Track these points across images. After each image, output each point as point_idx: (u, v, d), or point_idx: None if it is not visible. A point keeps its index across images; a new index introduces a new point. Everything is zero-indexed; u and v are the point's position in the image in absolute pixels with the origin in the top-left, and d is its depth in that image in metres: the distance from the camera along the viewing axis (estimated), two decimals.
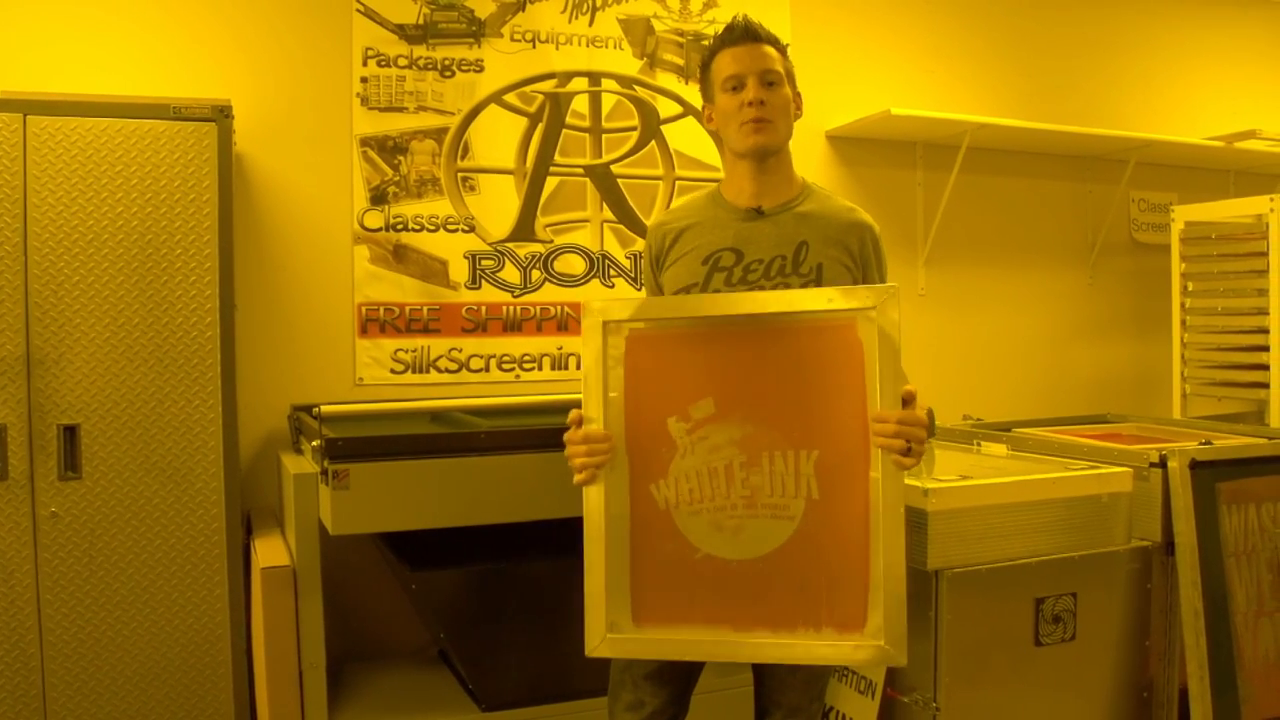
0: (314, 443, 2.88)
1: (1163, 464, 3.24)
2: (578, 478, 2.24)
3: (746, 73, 2.37)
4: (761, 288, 2.39)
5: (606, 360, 2.25)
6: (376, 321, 3.83)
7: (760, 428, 2.21)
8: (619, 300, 2.35)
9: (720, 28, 3.95)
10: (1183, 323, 4.70)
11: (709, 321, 2.24)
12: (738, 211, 2.46)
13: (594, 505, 2.24)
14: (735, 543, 2.22)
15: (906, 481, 3.00)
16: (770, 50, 2.41)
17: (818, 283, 2.39)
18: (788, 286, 2.38)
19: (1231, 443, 3.49)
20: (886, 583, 2.15)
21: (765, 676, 2.52)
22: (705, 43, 4.18)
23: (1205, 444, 3.34)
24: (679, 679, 2.47)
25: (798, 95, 2.48)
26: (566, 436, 2.26)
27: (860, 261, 2.46)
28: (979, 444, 3.82)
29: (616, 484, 2.25)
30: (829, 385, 2.19)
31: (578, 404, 2.27)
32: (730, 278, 2.40)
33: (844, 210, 2.51)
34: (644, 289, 2.64)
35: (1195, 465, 3.21)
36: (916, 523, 2.97)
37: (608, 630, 2.23)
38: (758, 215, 2.44)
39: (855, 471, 2.17)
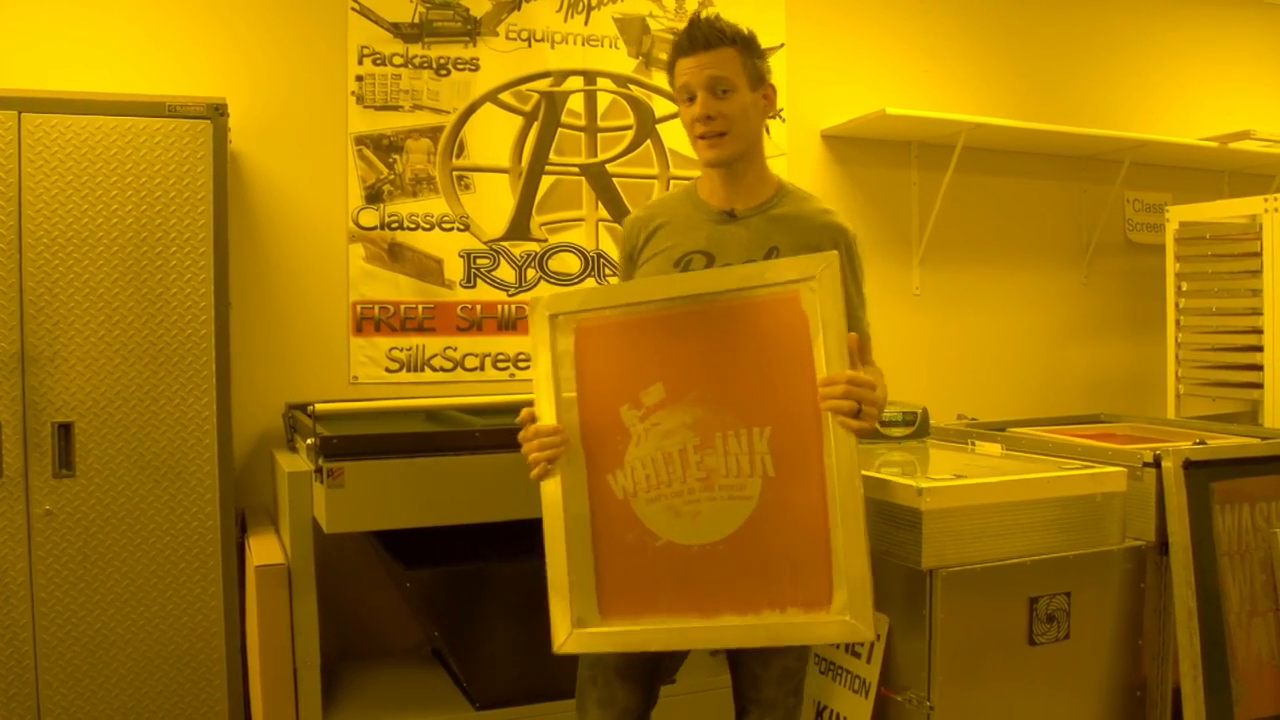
0: (309, 441, 2.88)
1: (1157, 464, 3.24)
2: (533, 473, 2.22)
3: (695, 85, 2.32)
4: None
5: (555, 353, 2.24)
6: (371, 320, 3.83)
7: (712, 409, 2.19)
8: (564, 293, 2.31)
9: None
10: (1177, 323, 4.70)
11: (653, 305, 2.23)
12: (711, 213, 2.43)
13: (552, 500, 2.23)
14: (695, 527, 2.20)
15: (901, 480, 3.02)
16: (725, 54, 2.32)
17: None
18: None
19: (1225, 443, 3.49)
20: (849, 557, 2.14)
21: (740, 674, 2.51)
22: None
23: (1199, 444, 3.35)
24: (647, 672, 2.45)
25: (770, 89, 2.43)
26: (520, 436, 2.24)
27: None
28: (973, 443, 3.82)
29: (574, 478, 2.23)
30: (778, 360, 2.18)
31: None
32: None
33: (818, 213, 2.47)
34: (620, 276, 2.61)
35: (1189, 465, 3.22)
36: (910, 522, 2.97)
37: (574, 626, 2.22)
38: (730, 219, 2.41)
39: (810, 446, 2.15)
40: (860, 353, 2.30)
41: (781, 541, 2.18)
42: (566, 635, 2.22)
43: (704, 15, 2.45)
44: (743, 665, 2.49)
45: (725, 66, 2.32)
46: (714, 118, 2.32)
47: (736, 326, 2.20)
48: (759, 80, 2.39)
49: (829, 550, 2.15)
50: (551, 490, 2.23)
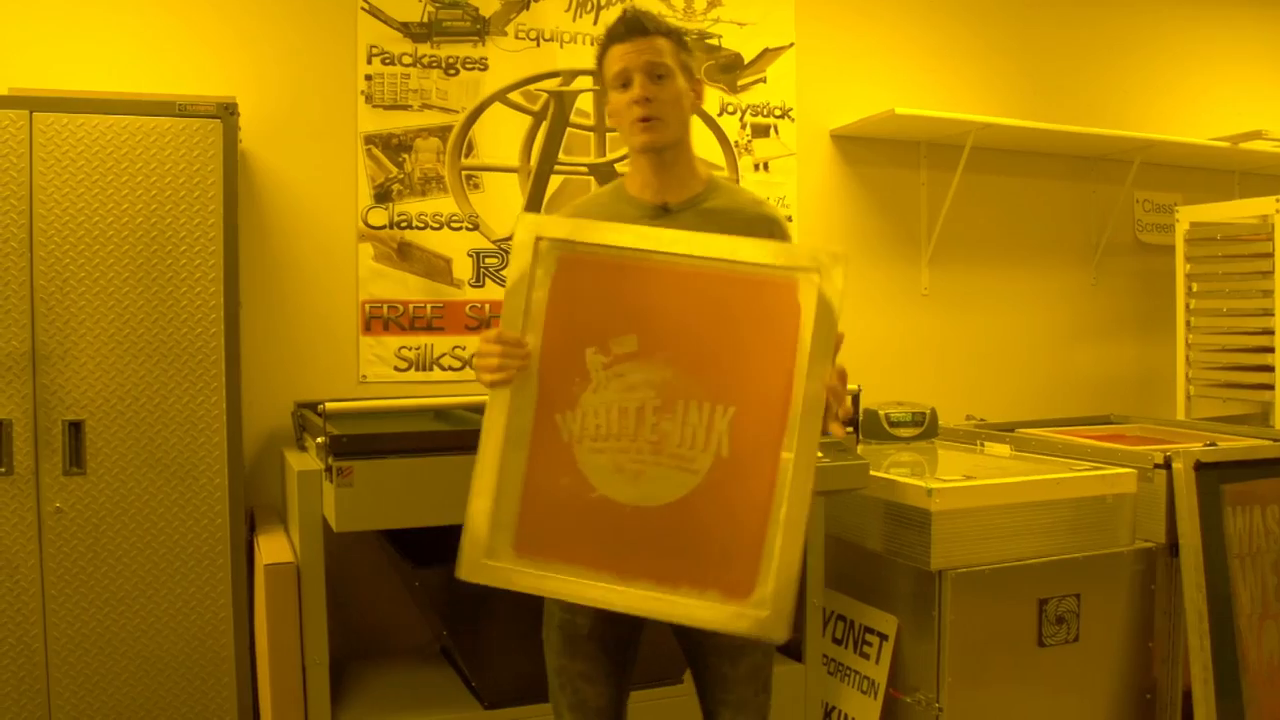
0: (318, 440, 2.88)
1: (1167, 465, 3.24)
2: (488, 377, 2.15)
3: (633, 69, 2.31)
4: None
5: (533, 276, 2.16)
6: (380, 319, 3.83)
7: (681, 374, 2.12)
8: (555, 217, 2.22)
9: (725, 27, 3.97)
10: (1187, 324, 4.69)
11: (645, 255, 2.15)
12: (643, 208, 2.40)
13: (494, 422, 2.15)
14: (634, 488, 2.13)
15: (910, 481, 3.02)
16: (660, 42, 2.33)
17: None
18: None
19: (1236, 444, 3.49)
20: (782, 553, 2.07)
21: (705, 675, 2.46)
22: (710, 41, 4.20)
23: (1210, 445, 3.35)
24: (612, 671, 2.41)
25: (696, 83, 2.42)
26: (480, 337, 2.17)
27: None
28: (982, 444, 3.82)
29: (522, 406, 2.15)
30: (759, 343, 2.12)
31: None
32: None
33: (751, 204, 2.48)
34: None
35: (1200, 467, 3.22)
36: (919, 522, 2.98)
37: (485, 555, 2.14)
38: (663, 213, 2.39)
39: (770, 435, 2.10)
40: None
41: (718, 523, 2.11)
42: (475, 563, 2.14)
43: (638, 6, 2.43)
44: (708, 666, 2.44)
45: (660, 53, 2.32)
46: (652, 100, 2.30)
47: (726, 298, 2.13)
48: (689, 73, 2.39)
49: (763, 542, 2.09)
50: (497, 412, 2.15)
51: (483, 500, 2.16)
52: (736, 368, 2.12)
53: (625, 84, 2.33)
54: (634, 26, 2.33)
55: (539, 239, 2.17)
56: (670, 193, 2.40)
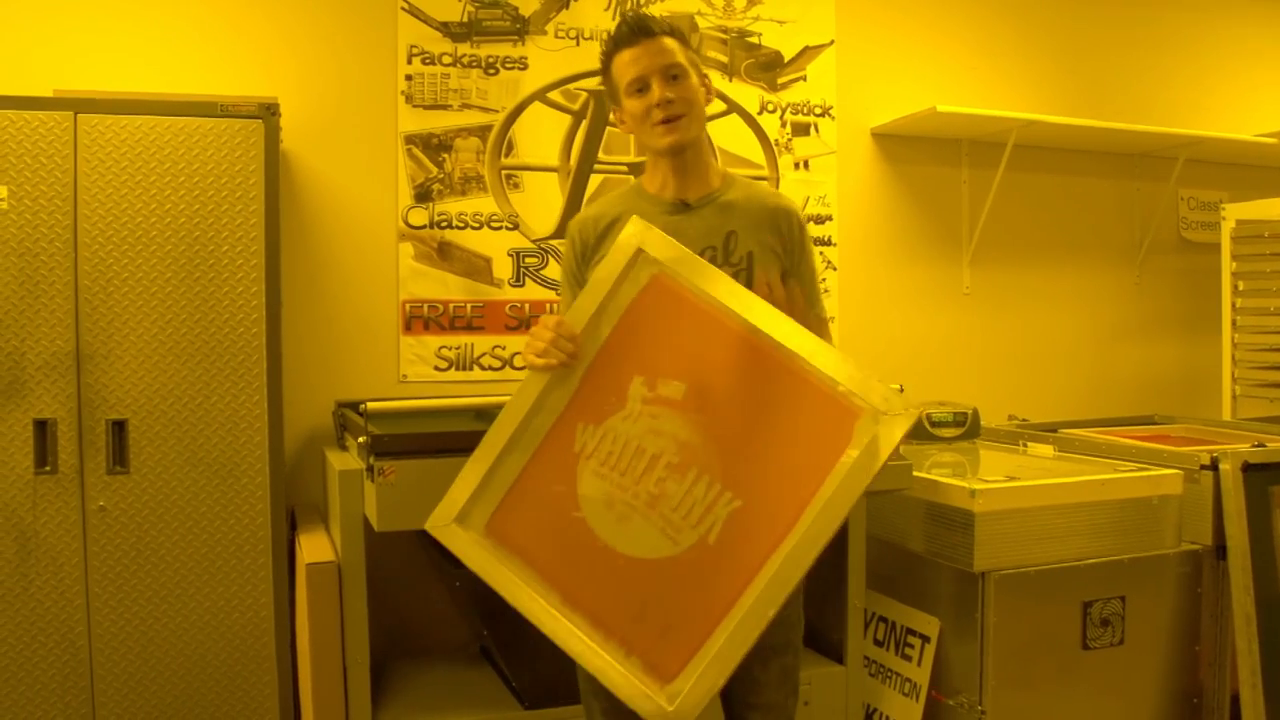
0: (360, 439, 2.89)
1: (1214, 466, 3.20)
2: (533, 359, 2.14)
3: (648, 73, 2.30)
4: None
5: (619, 283, 2.16)
6: (421, 319, 3.84)
7: (707, 444, 2.08)
8: (666, 238, 2.18)
9: (765, 25, 3.95)
10: (1233, 323, 4.63)
11: (730, 314, 2.11)
12: (663, 205, 2.40)
13: (524, 400, 2.14)
14: (614, 528, 2.10)
15: (953, 482, 2.99)
16: (668, 42, 2.32)
17: (749, 271, 2.33)
18: None
19: None
20: (715, 659, 2.03)
21: (732, 679, 2.43)
22: (750, 39, 4.18)
23: (1258, 446, 3.30)
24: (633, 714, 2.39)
25: (705, 78, 2.42)
26: (541, 320, 2.16)
27: (788, 246, 2.41)
28: (1025, 445, 3.79)
29: (554, 401, 2.14)
30: (794, 454, 2.06)
31: None
32: None
33: (768, 195, 2.48)
34: (562, 289, 2.54)
35: (1248, 468, 3.18)
36: (963, 523, 2.95)
37: (456, 519, 2.15)
38: (684, 208, 2.39)
39: (759, 545, 2.03)
40: (792, 305, 2.29)
41: (673, 601, 2.08)
42: (445, 522, 2.15)
43: (637, 9, 2.42)
44: (739, 671, 2.42)
45: (672, 53, 2.32)
46: (673, 100, 2.30)
47: (786, 393, 2.08)
48: (697, 68, 2.39)
49: (705, 640, 2.04)
50: (530, 392, 2.15)
51: (476, 468, 2.16)
52: (762, 465, 2.07)
53: (642, 89, 2.32)
54: (640, 29, 2.32)
55: (640, 250, 2.15)
56: (689, 190, 2.41)
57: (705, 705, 2.05)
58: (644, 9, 4.04)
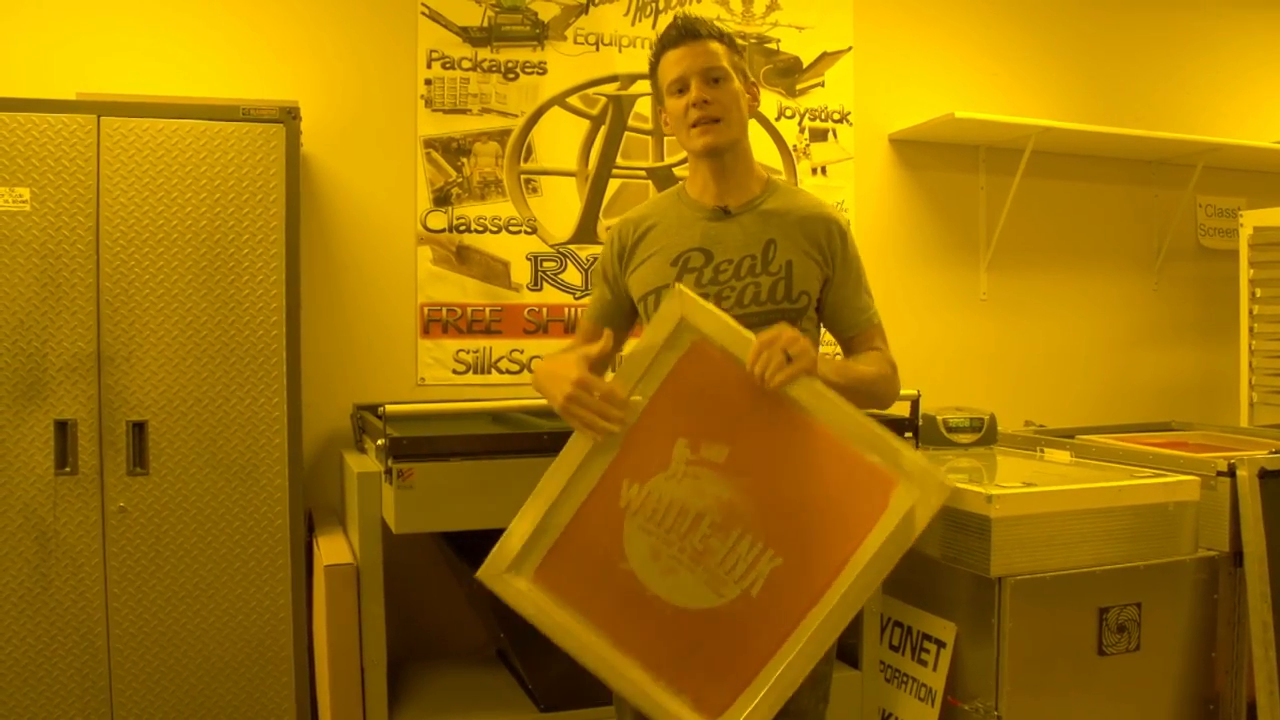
0: (378, 442, 2.90)
1: (1231, 473, 3.19)
2: (580, 426, 2.15)
3: (689, 74, 2.31)
4: (732, 288, 2.34)
5: (662, 351, 2.18)
6: (439, 322, 3.85)
7: (750, 506, 2.13)
8: (706, 308, 2.20)
9: (783, 31, 3.96)
10: (1251, 329, 4.62)
11: (777, 390, 2.14)
12: (703, 210, 2.40)
13: (569, 460, 2.18)
14: (661, 579, 2.15)
15: (970, 487, 2.99)
16: (714, 46, 2.33)
17: (788, 280, 2.34)
18: (757, 285, 2.34)
19: None
20: (766, 697, 2.10)
21: None
22: (769, 45, 4.19)
23: (1276, 453, 3.29)
24: None
25: (752, 86, 2.42)
26: (582, 383, 2.13)
27: (829, 255, 2.41)
28: (1042, 450, 3.78)
29: (600, 459, 2.18)
30: (833, 516, 2.12)
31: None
32: (700, 278, 2.35)
33: (810, 204, 2.46)
34: (593, 289, 2.55)
35: (1265, 475, 3.17)
36: (979, 529, 2.95)
37: (508, 569, 2.19)
38: (724, 215, 2.39)
39: (800, 600, 2.11)
40: (868, 339, 2.42)
41: (719, 648, 2.14)
42: (497, 572, 2.19)
43: (688, 12, 2.43)
44: None
45: (716, 56, 2.33)
46: (710, 102, 2.31)
47: (825, 459, 2.13)
48: (744, 76, 2.40)
49: (750, 683, 2.12)
50: (576, 451, 2.18)
51: (526, 523, 2.20)
52: (803, 526, 2.13)
53: (682, 89, 2.33)
54: (687, 31, 2.33)
55: (682, 319, 2.17)
56: (730, 195, 2.40)
57: None
58: (661, 14, 4.05)
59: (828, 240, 2.41)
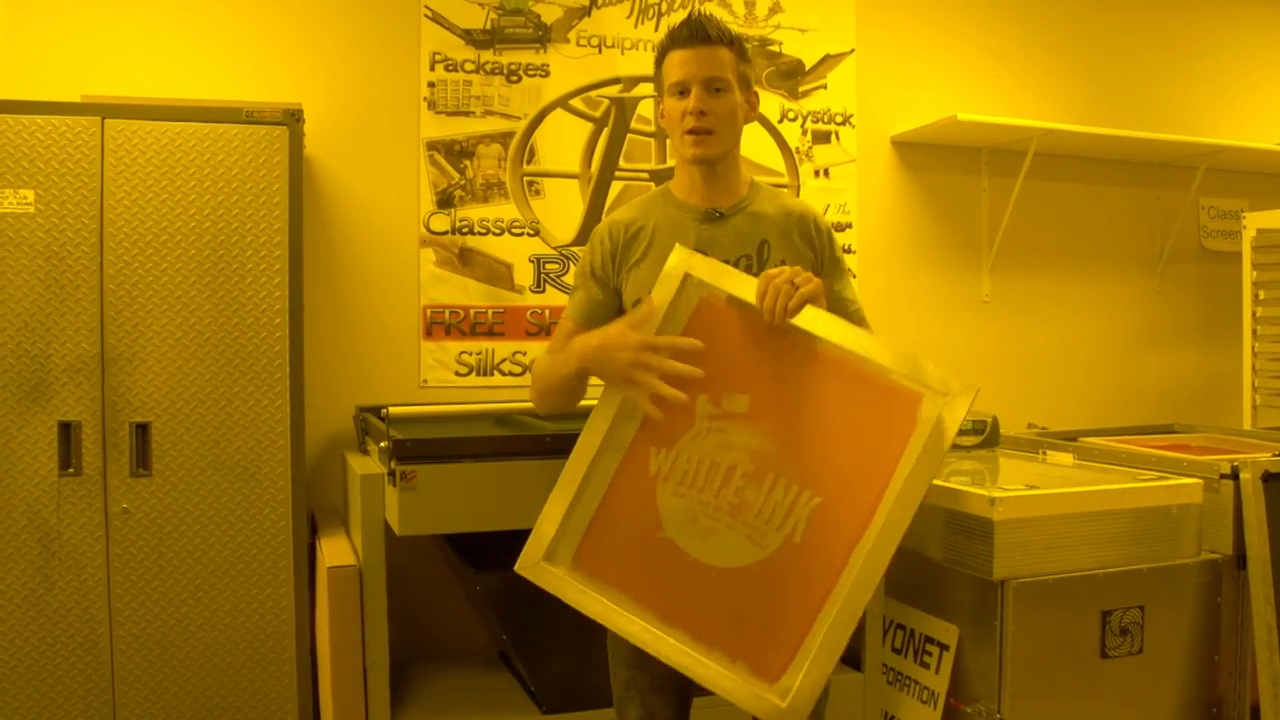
0: (381, 444, 2.91)
1: (1234, 475, 3.19)
2: (643, 393, 2.13)
3: (691, 80, 2.30)
4: None
5: (671, 311, 2.19)
6: (441, 324, 3.85)
7: (779, 450, 2.13)
8: (708, 259, 2.23)
9: (786, 33, 3.95)
10: (1254, 332, 4.62)
11: (787, 325, 2.14)
12: (695, 213, 2.40)
13: (592, 436, 2.18)
14: (701, 542, 2.14)
15: (972, 490, 2.99)
16: (722, 53, 2.32)
17: None
18: None
19: None
20: (820, 651, 2.07)
21: None
22: (772, 48, 4.20)
23: (1279, 455, 3.29)
24: (679, 686, 2.38)
25: (753, 94, 2.42)
26: (646, 343, 2.14)
27: (819, 252, 2.44)
28: (1044, 453, 3.78)
29: (624, 430, 2.18)
30: (864, 445, 2.11)
31: None
32: None
33: (794, 204, 2.50)
34: (576, 288, 2.49)
35: (1268, 477, 3.17)
36: (982, 532, 2.95)
37: (544, 558, 2.18)
38: (716, 217, 2.39)
39: (845, 536, 2.08)
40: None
41: (769, 603, 2.12)
42: (534, 562, 2.18)
43: (704, 12, 2.43)
44: None
45: (721, 65, 2.32)
46: (706, 114, 2.30)
47: (848, 389, 2.13)
48: (746, 84, 2.39)
49: (806, 635, 2.09)
50: (598, 425, 2.18)
51: (557, 506, 2.19)
52: (834, 460, 2.12)
53: (682, 93, 2.33)
54: (698, 33, 2.32)
55: (687, 275, 2.19)
56: (719, 198, 2.41)
57: (818, 697, 2.09)
58: (665, 16, 4.05)
59: (816, 236, 2.44)
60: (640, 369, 2.14)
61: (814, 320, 2.13)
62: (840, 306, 2.43)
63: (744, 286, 2.18)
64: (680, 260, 2.21)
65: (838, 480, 2.11)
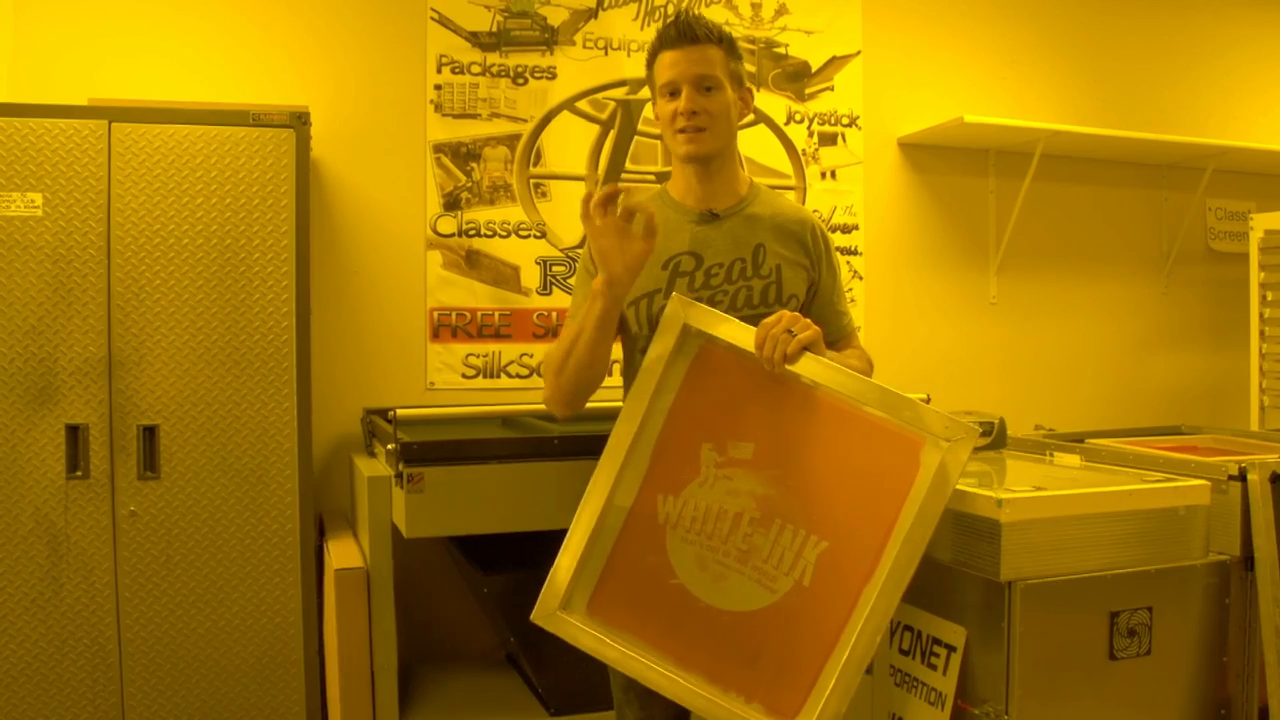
0: (389, 446, 2.91)
1: (1242, 477, 3.18)
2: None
3: (681, 80, 2.30)
4: (725, 292, 2.35)
5: (672, 361, 2.21)
6: (448, 326, 3.86)
7: (785, 495, 2.16)
8: (706, 309, 2.24)
9: (792, 35, 3.95)
10: (1261, 333, 4.61)
11: (787, 373, 2.16)
12: (690, 214, 2.41)
13: (600, 485, 2.21)
14: (712, 588, 2.18)
15: (979, 491, 2.99)
16: (711, 52, 2.32)
17: (778, 284, 2.37)
18: (749, 289, 2.35)
19: None
20: (834, 691, 2.10)
21: None
22: (778, 50, 4.19)
23: None
24: None
25: (745, 92, 2.42)
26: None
27: (815, 259, 2.44)
28: (1052, 454, 3.77)
29: (630, 477, 2.21)
30: (868, 489, 2.13)
31: None
32: (693, 282, 2.36)
33: (792, 209, 2.50)
34: (578, 291, 2.49)
35: (1276, 479, 3.16)
36: (989, 533, 2.95)
37: (560, 607, 2.21)
38: (712, 218, 2.40)
39: (854, 578, 2.12)
40: (849, 343, 2.45)
41: (782, 645, 2.16)
42: (550, 611, 2.21)
43: (691, 12, 2.43)
44: None
45: (711, 64, 2.31)
46: (698, 113, 2.31)
47: (849, 434, 2.15)
48: (738, 82, 2.39)
49: (819, 675, 2.12)
50: (605, 474, 2.21)
51: (569, 557, 2.22)
52: (840, 505, 2.14)
53: (673, 93, 2.34)
54: (686, 33, 2.32)
55: (685, 325, 2.21)
56: (715, 199, 2.42)
57: None
58: (670, 19, 4.05)
59: (813, 243, 2.44)
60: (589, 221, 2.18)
61: (813, 367, 2.15)
62: (834, 320, 2.44)
63: (742, 335, 2.20)
64: (677, 310, 2.23)
65: (844, 524, 2.14)
